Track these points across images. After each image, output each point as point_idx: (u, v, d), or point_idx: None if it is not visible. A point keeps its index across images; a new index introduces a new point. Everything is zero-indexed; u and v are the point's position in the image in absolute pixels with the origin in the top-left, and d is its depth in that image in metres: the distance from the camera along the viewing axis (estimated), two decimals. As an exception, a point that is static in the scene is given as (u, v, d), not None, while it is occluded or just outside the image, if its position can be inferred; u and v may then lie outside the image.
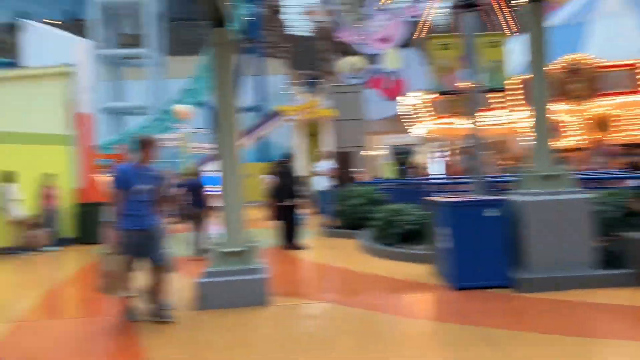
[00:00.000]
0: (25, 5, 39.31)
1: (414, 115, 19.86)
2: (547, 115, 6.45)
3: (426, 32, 26.93)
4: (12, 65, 20.54)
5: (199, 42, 42.96)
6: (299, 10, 44.50)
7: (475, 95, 7.85)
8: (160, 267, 5.40)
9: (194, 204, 9.85)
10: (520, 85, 14.72)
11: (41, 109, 12.65)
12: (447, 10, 30.45)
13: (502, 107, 15.55)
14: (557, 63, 14.16)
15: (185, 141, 18.58)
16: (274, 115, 26.26)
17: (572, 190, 6.19)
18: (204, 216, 9.80)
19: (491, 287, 5.97)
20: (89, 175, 13.68)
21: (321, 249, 10.78)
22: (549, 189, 6.13)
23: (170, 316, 5.36)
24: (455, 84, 9.25)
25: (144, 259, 5.35)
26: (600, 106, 15.39)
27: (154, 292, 5.44)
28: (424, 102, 18.63)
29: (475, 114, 7.66)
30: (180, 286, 6.34)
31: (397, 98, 27.53)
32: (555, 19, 15.82)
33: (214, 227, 9.43)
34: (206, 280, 5.89)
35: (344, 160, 18.75)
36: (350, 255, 9.41)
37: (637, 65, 14.37)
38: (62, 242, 12.35)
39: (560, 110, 15.23)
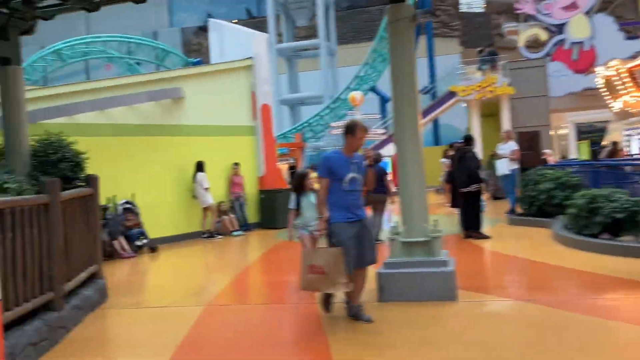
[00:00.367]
0: (212, 9, 42.96)
1: (609, 89, 17.57)
2: None
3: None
4: (200, 63, 22.43)
5: (368, 28, 43.42)
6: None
7: None
8: (368, 262, 4.96)
9: (376, 190, 9.75)
10: None
11: (228, 102, 13.50)
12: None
13: None
14: None
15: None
16: (448, 96, 25.20)
17: None
18: (386, 202, 9.61)
19: None
20: (271, 164, 14.32)
21: (506, 238, 9.95)
22: None
23: (369, 317, 4.91)
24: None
25: (354, 254, 4.80)
26: None
27: (356, 289, 4.96)
28: (619, 73, 16.35)
29: None
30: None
31: (587, 70, 24.76)
32: None
33: (391, 214, 9.21)
34: (387, 271, 5.59)
35: (529, 141, 17.20)
36: (541, 246, 8.48)
37: None
38: (248, 226, 13.11)
39: None
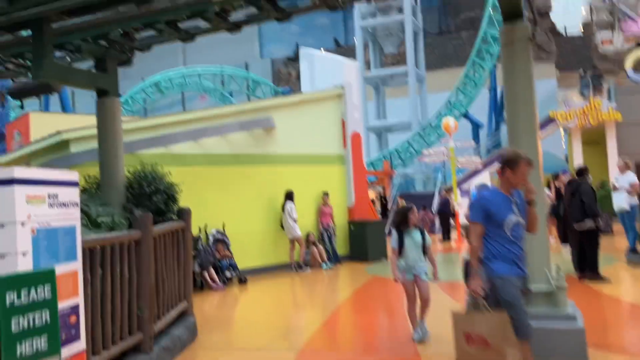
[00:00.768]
0: (300, 40, 43.83)
1: None
2: None
3: None
4: (288, 92, 22.59)
5: (457, 53, 42.37)
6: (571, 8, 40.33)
7: None
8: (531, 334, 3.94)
9: None
10: None
11: (318, 131, 13.26)
12: None
13: None
14: None
15: (451, 155, 17.81)
16: (546, 122, 23.73)
17: None
18: None
19: None
20: (361, 194, 13.85)
21: (629, 282, 8.81)
22: None
23: None
24: None
25: (519, 317, 3.82)
26: None
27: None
28: None
29: None
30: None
31: None
32: None
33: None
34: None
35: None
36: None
37: None
38: (337, 259, 12.65)
39: None
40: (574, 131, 22.74)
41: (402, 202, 18.43)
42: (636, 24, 24.53)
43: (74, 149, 9.30)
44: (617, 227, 12.83)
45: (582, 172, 9.18)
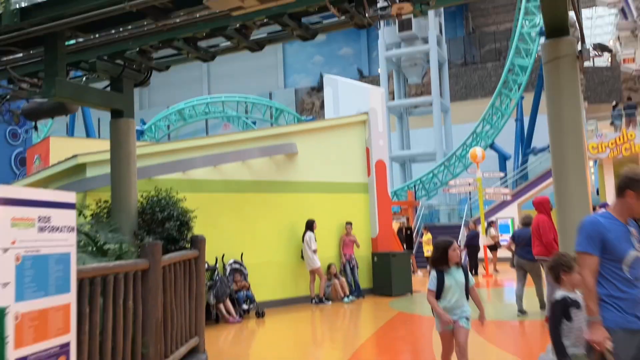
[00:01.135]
0: (324, 70, 43.91)
1: None
2: None
3: None
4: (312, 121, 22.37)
5: (482, 84, 41.95)
6: (598, 40, 39.85)
7: None
8: None
9: (524, 254, 8.84)
10: None
11: (341, 158, 12.85)
12: None
13: None
14: None
15: (479, 185, 17.22)
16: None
17: None
18: (539, 270, 8.45)
19: None
20: (385, 224, 13.32)
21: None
22: None
23: None
24: None
25: None
26: None
27: None
28: None
29: None
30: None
31: None
32: None
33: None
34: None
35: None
36: None
37: None
38: (359, 292, 12.07)
39: None
40: (605, 163, 22.00)
41: (427, 234, 17.82)
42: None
43: (90, 173, 9.01)
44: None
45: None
